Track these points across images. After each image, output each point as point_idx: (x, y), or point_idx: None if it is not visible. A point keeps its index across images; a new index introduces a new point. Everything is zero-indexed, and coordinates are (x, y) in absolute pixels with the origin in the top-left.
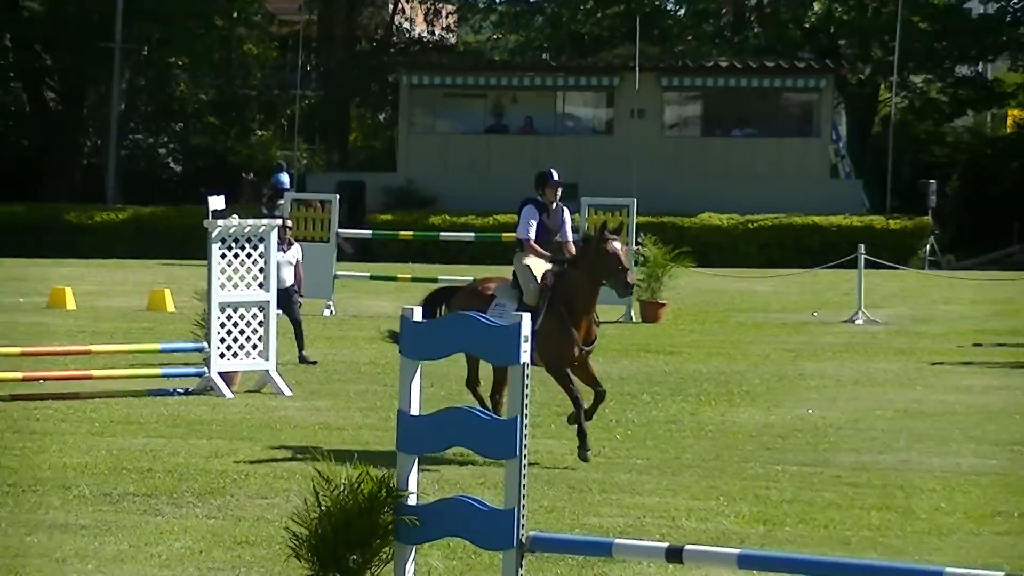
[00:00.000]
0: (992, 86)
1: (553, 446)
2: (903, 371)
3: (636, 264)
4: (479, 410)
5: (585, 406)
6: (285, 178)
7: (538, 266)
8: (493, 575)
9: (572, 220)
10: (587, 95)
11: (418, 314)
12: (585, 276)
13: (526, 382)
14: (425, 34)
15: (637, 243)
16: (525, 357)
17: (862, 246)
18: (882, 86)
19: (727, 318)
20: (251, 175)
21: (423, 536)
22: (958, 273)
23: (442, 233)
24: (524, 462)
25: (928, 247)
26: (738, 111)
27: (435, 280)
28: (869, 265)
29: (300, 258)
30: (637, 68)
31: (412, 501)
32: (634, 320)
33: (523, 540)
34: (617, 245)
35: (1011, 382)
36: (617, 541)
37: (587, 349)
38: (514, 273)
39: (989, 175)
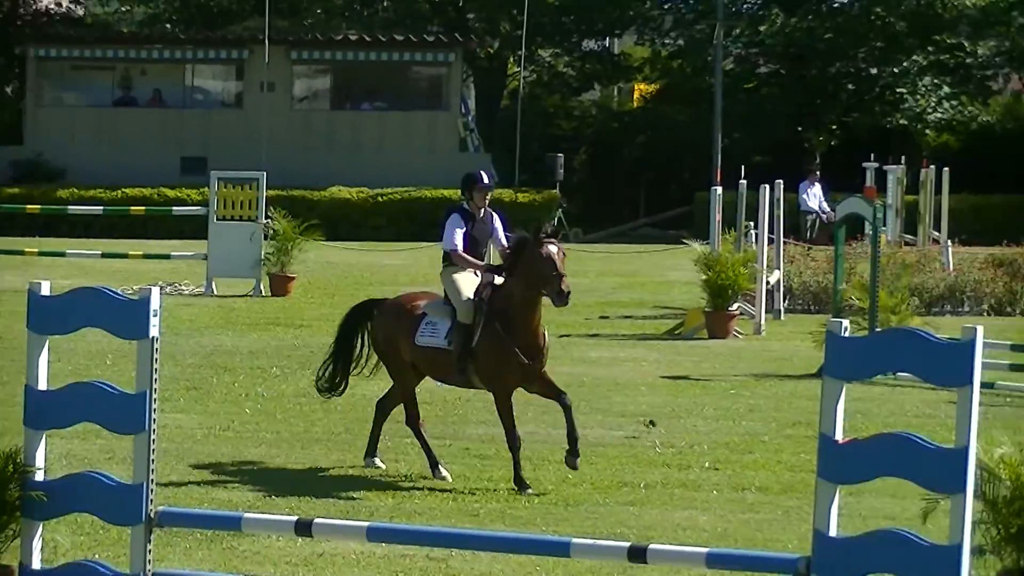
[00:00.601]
0: (619, 60)
1: (183, 420)
2: None
3: (266, 238)
4: (108, 384)
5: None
6: None
7: (468, 281)
8: (121, 550)
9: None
10: (216, 68)
11: (53, 293)
12: (521, 285)
13: (155, 356)
14: (52, 6)
15: (267, 217)
16: (154, 331)
17: None
18: (510, 60)
19: (357, 292)
20: None
21: (50, 512)
22: (585, 246)
23: (70, 206)
24: (153, 436)
25: (556, 220)
26: (367, 84)
27: (63, 254)
28: None
29: None
30: (267, 41)
31: (39, 477)
32: (264, 294)
33: (152, 515)
34: (553, 248)
35: (637, 354)
36: (246, 515)
37: (532, 363)
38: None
39: (616, 149)
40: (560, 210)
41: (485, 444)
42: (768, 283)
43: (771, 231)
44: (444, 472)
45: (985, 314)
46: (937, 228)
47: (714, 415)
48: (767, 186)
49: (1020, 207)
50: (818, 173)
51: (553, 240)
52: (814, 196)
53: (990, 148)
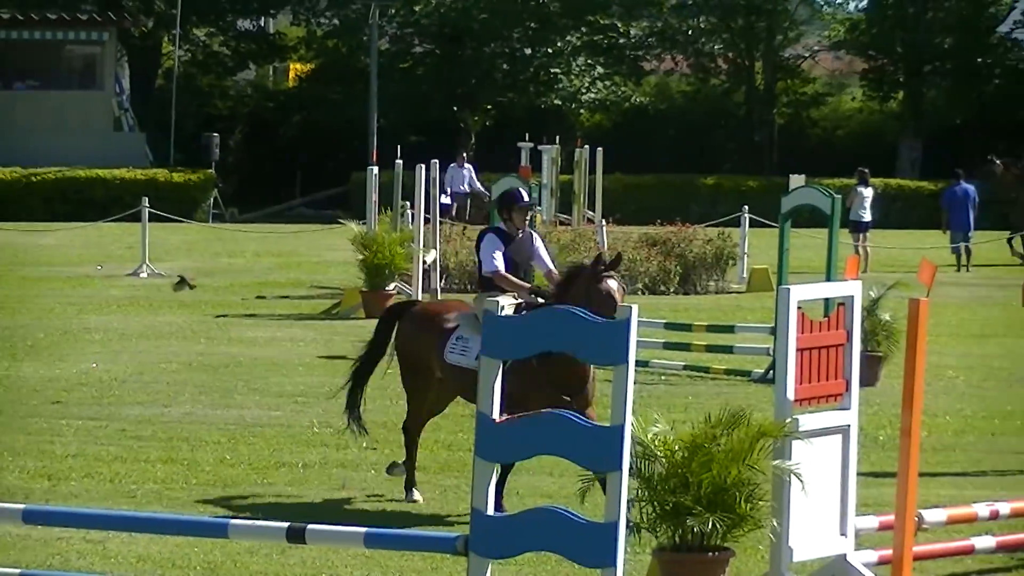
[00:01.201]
0: (274, 39)
1: None
2: (187, 324)
3: None
4: None
5: None
6: None
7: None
8: None
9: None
10: None
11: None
12: None
13: None
14: None
15: None
16: None
17: (146, 199)
18: (165, 39)
19: (10, 272)
20: None
21: None
22: (242, 226)
23: None
24: None
25: (212, 200)
26: (20, 64)
27: None
28: (153, 218)
29: None
30: None
31: None
32: None
33: None
34: (613, 284)
35: (294, 333)
36: None
37: (568, 399)
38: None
39: (272, 128)
40: (216, 190)
41: (141, 425)
42: (425, 263)
43: (427, 211)
44: (416, 496)
45: (640, 292)
46: (592, 207)
47: (372, 395)
48: (423, 166)
49: (672, 186)
50: (466, 155)
51: (613, 274)
52: (463, 177)
53: (643, 128)
